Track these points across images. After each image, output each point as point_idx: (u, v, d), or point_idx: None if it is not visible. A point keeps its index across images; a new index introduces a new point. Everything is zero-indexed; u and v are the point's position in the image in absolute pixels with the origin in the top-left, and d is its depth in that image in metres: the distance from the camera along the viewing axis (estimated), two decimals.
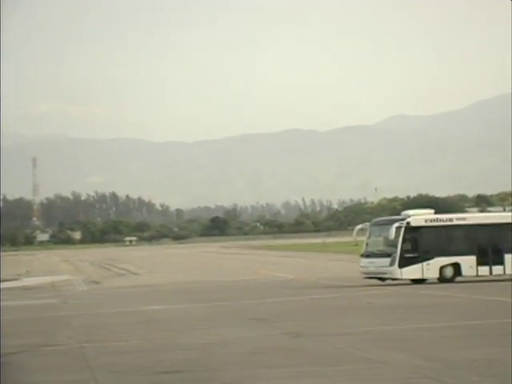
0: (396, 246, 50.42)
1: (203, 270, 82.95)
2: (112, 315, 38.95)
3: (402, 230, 50.47)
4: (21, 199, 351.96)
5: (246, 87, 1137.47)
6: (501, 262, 52.01)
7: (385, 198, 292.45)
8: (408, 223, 50.85)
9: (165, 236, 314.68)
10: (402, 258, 50.35)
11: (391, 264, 50.40)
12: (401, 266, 50.29)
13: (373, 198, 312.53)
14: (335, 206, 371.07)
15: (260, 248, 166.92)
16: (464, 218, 54.93)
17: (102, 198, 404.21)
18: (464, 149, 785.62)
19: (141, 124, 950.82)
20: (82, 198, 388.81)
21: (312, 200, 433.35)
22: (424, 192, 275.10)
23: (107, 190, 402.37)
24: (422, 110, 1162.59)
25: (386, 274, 51.13)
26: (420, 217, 52.83)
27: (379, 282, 51.65)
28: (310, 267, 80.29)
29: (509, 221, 54.06)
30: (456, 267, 51.51)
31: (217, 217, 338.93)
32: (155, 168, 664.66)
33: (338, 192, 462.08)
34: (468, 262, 51.66)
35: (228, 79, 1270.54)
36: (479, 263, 51.82)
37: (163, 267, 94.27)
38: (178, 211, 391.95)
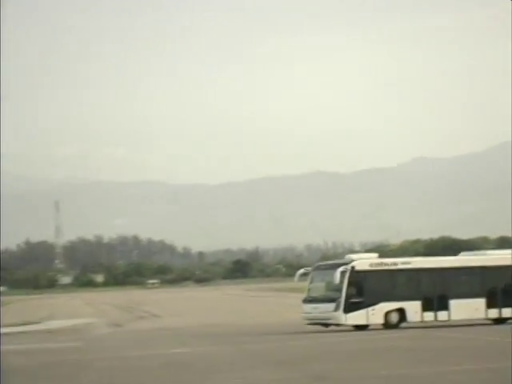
0: (341, 291, 49.33)
1: (226, 313, 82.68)
2: (134, 358, 38.82)
3: (347, 274, 49.39)
4: (44, 242, 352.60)
5: (269, 129, 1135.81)
6: (446, 308, 51.22)
7: (407, 240, 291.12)
8: (353, 267, 49.83)
9: (187, 279, 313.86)
10: (346, 303, 49.30)
11: (336, 309, 49.41)
12: (346, 311, 49.32)
13: (395, 241, 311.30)
14: (357, 248, 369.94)
15: (282, 290, 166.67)
16: (409, 263, 53.66)
17: (124, 241, 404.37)
18: (487, 190, 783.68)
19: (164, 166, 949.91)
20: (105, 241, 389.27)
21: (334, 242, 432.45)
22: (447, 234, 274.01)
23: (129, 233, 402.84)
24: (445, 152, 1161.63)
25: (330, 319, 50.11)
26: (364, 261, 51.83)
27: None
28: None
29: (454, 265, 53.49)
30: (401, 312, 50.56)
31: (239, 259, 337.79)
32: (178, 210, 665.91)
33: (360, 234, 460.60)
34: (413, 308, 50.75)
35: (252, 119, 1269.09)
36: (424, 309, 50.93)
37: (185, 310, 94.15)
38: (201, 254, 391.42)
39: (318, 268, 53.88)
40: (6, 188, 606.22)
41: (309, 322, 51.38)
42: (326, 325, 50.52)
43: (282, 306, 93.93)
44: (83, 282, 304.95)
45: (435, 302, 50.95)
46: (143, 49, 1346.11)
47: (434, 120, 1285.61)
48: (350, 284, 49.22)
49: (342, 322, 49.40)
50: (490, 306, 51.91)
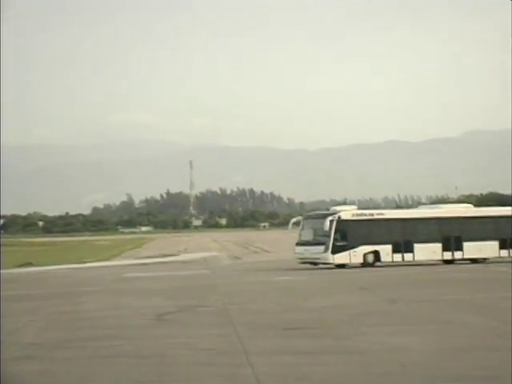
0: (329, 236, 48.62)
1: None
2: (250, 283, 39.19)
3: (334, 222, 48.70)
4: (180, 193, 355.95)
5: (353, 105, 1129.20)
6: (411, 250, 50.46)
7: (463, 195, 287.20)
8: (339, 217, 49.16)
9: None
10: (334, 246, 48.63)
11: (325, 251, 48.68)
12: (333, 252, 48.64)
13: (453, 195, 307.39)
14: (424, 201, 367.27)
15: None
16: (383, 214, 53.03)
17: (242, 193, 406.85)
18: None
19: (275, 135, 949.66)
20: (227, 193, 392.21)
21: (405, 196, 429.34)
22: (494, 190, 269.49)
23: (247, 187, 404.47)
24: (495, 125, 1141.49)
25: (319, 259, 49.32)
26: (348, 212, 51.12)
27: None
28: None
29: (417, 216, 52.89)
30: (376, 254, 49.79)
31: None
32: (284, 170, 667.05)
33: (426, 190, 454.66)
34: (385, 250, 49.95)
35: (336, 92, 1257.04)
36: (394, 251, 50.19)
37: (289, 247, 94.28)
38: (301, 203, 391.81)
39: (307, 217, 53.11)
40: (157, 151, 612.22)
41: (300, 261, 50.51)
42: (315, 263, 49.59)
43: None
44: (210, 224, 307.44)
45: (402, 246, 50.21)
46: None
47: (487, 95, 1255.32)
48: (336, 230, 48.53)
49: (330, 261, 48.72)
50: (445, 249, 51.32)
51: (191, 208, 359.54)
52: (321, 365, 15.41)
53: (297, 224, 53.13)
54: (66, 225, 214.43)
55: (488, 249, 51.97)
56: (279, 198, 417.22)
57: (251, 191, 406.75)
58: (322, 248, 48.73)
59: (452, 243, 51.25)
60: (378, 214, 52.05)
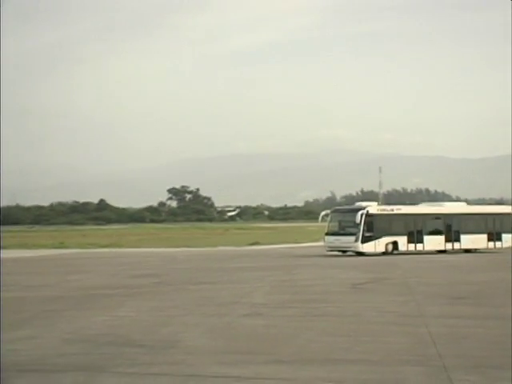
0: (359, 228, 45.28)
1: None
2: (423, 262, 38.61)
3: (364, 216, 45.38)
4: (372, 191, 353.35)
5: None
6: (422, 241, 47.31)
7: None
8: (367, 211, 45.83)
9: None
10: (363, 236, 45.37)
11: (355, 241, 45.34)
12: (362, 242, 45.38)
13: None
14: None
15: None
16: (400, 209, 49.37)
17: (419, 192, 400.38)
18: None
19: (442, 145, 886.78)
20: (408, 191, 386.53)
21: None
22: None
23: (423, 187, 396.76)
24: None
25: (350, 248, 45.86)
26: (374, 206, 47.91)
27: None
28: None
29: (428, 212, 49.49)
30: (395, 244, 46.55)
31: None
32: (446, 173, 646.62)
33: None
34: (402, 241, 46.72)
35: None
36: (408, 241, 46.96)
37: None
38: (466, 200, 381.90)
39: (335, 211, 49.32)
40: (352, 157, 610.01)
41: (330, 249, 46.79)
42: (344, 251, 46.35)
43: None
44: None
45: (415, 237, 47.26)
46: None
47: None
48: (365, 223, 45.42)
49: (360, 249, 45.48)
50: (447, 241, 48.46)
51: (379, 203, 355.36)
52: (481, 327, 15.10)
53: (325, 217, 49.38)
54: (284, 214, 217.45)
55: (479, 241, 49.79)
56: (448, 196, 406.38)
57: (427, 190, 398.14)
58: (353, 238, 45.75)
59: (452, 236, 48.72)
60: (396, 210, 49.07)
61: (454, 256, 44.65)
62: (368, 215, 45.75)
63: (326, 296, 21.66)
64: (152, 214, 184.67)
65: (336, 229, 47.21)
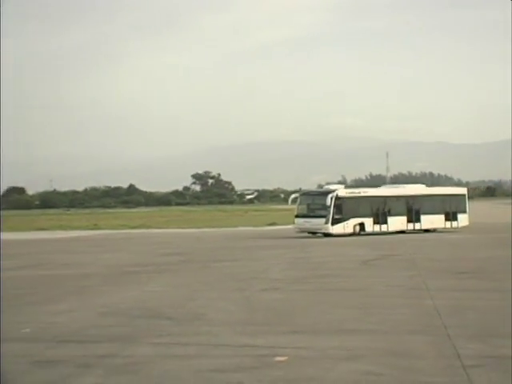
0: (329, 210, 42.98)
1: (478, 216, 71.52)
2: (430, 240, 38.43)
3: (333, 199, 43.07)
4: (379, 175, 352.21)
5: None
6: (386, 222, 45.07)
7: None
8: (337, 194, 43.53)
9: None
10: (333, 218, 43.04)
11: (326, 222, 43.02)
12: (332, 224, 43.07)
13: None
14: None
15: None
16: (366, 192, 47.32)
17: (423, 175, 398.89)
18: None
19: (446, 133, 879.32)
20: (413, 175, 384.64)
21: None
22: None
23: (426, 170, 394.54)
24: None
25: (321, 229, 43.53)
26: (342, 190, 45.67)
27: None
28: None
29: (391, 194, 47.28)
30: (362, 225, 44.36)
31: (489, 186, 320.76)
32: (447, 157, 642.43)
33: None
34: (368, 222, 44.47)
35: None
36: (374, 223, 44.73)
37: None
38: (467, 183, 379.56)
39: (304, 194, 47.51)
40: (362, 144, 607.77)
41: (299, 230, 44.57)
42: (314, 233, 44.25)
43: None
44: None
45: (380, 219, 45.10)
46: None
47: None
48: (334, 205, 43.18)
49: (330, 231, 43.18)
50: (408, 221, 46.24)
51: (387, 185, 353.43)
52: (482, 299, 15.03)
53: (295, 200, 47.13)
54: None
55: (438, 221, 47.79)
56: (450, 179, 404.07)
57: (430, 173, 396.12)
58: (323, 220, 43.44)
59: (413, 216, 46.65)
60: (363, 192, 47.12)
61: (452, 234, 44.11)
62: (337, 198, 43.58)
63: (338, 271, 21.65)
64: (177, 198, 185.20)
65: (306, 211, 44.80)
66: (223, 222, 72.11)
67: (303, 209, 44.97)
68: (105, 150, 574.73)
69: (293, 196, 48.50)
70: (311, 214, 44.17)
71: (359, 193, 46.60)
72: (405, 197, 47.21)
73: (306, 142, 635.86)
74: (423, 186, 53.37)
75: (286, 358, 9.70)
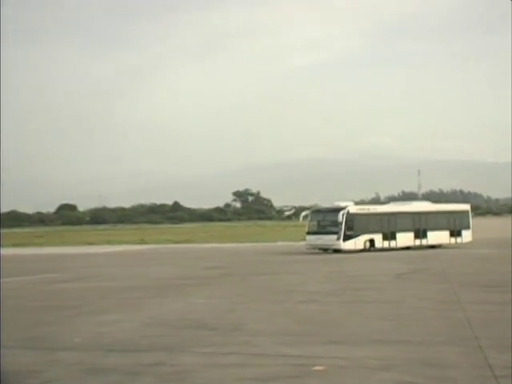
0: (340, 227, 41.60)
1: (495, 231, 66.88)
2: (459, 256, 37.90)
3: (345, 216, 41.74)
4: (411, 192, 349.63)
5: None
6: (394, 238, 43.76)
7: None
8: (348, 211, 42.17)
9: (483, 214, 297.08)
10: (344, 235, 41.69)
11: (337, 239, 41.61)
12: (344, 240, 41.68)
13: None
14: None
15: None
16: (376, 208, 46.10)
17: (454, 193, 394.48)
18: None
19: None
20: (444, 192, 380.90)
21: None
22: None
23: (457, 188, 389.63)
24: None
25: (332, 246, 42.05)
26: (353, 206, 44.09)
27: None
28: None
29: (399, 210, 45.77)
30: (372, 241, 43.01)
31: None
32: (474, 176, 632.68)
33: None
34: (378, 238, 43.14)
35: None
36: (383, 239, 43.41)
37: (479, 230, 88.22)
38: (496, 200, 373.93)
39: (315, 211, 45.92)
40: (393, 162, 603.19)
41: (311, 247, 42.80)
42: (325, 250, 42.79)
43: None
44: None
45: (389, 235, 43.82)
46: None
47: None
48: (346, 222, 41.84)
49: (341, 247, 41.86)
50: (416, 237, 45.07)
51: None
52: (510, 312, 14.79)
53: (306, 217, 45.83)
54: None
55: (443, 237, 46.71)
56: (480, 196, 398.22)
57: (461, 191, 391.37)
58: (335, 237, 42.12)
59: (420, 232, 45.57)
60: (373, 209, 45.95)
61: (481, 249, 43.34)
62: (349, 215, 42.49)
63: (372, 285, 21.49)
64: (219, 214, 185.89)
65: (317, 228, 43.36)
66: (263, 236, 72.14)
67: (314, 225, 43.59)
68: (151, 168, 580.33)
69: (304, 213, 47.38)
70: (323, 231, 42.82)
71: (369, 209, 45.59)
72: (412, 213, 46.19)
73: (341, 160, 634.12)
74: (429, 202, 52.58)
75: (324, 367, 9.67)
